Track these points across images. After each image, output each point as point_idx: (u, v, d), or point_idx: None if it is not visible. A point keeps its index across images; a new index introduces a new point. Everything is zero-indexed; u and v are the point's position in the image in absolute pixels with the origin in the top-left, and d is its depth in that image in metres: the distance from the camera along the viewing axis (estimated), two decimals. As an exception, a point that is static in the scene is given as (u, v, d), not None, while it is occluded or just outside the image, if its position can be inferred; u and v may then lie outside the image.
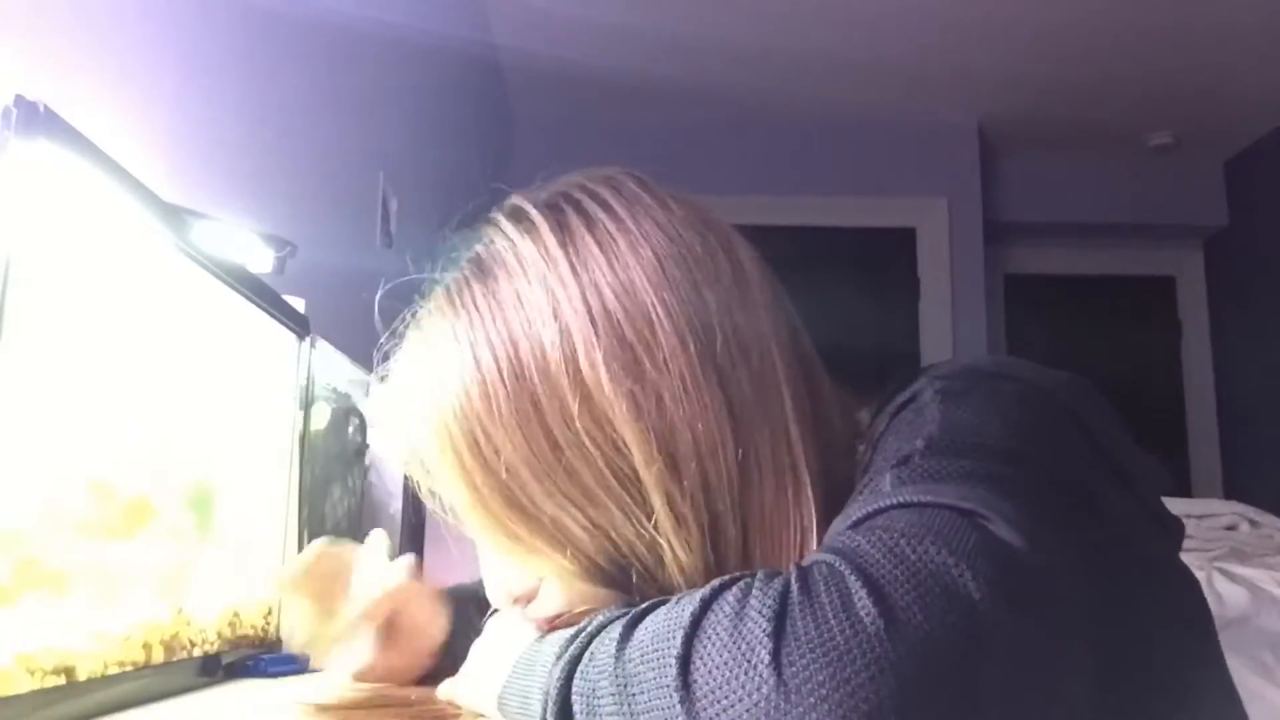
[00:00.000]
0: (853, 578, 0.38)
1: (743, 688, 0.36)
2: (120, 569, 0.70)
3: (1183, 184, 3.92)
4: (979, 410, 0.49)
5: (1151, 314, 4.13)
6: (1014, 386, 0.52)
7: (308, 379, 1.06)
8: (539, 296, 0.52)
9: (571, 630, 0.49)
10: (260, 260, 1.05)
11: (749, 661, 0.37)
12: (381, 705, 0.70)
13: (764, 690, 0.36)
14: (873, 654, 0.35)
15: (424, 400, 0.54)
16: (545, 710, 0.46)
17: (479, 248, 0.57)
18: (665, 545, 0.51)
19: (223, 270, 0.87)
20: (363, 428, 1.27)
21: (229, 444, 0.89)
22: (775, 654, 0.36)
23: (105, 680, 0.66)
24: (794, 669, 0.36)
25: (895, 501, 0.43)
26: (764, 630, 0.37)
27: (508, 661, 0.55)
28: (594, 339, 0.50)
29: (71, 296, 0.66)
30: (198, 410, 0.83)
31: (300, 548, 1.02)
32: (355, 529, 1.23)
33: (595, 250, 0.53)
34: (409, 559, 0.78)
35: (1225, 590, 1.81)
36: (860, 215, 3.67)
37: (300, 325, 1.05)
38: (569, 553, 0.52)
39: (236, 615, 0.88)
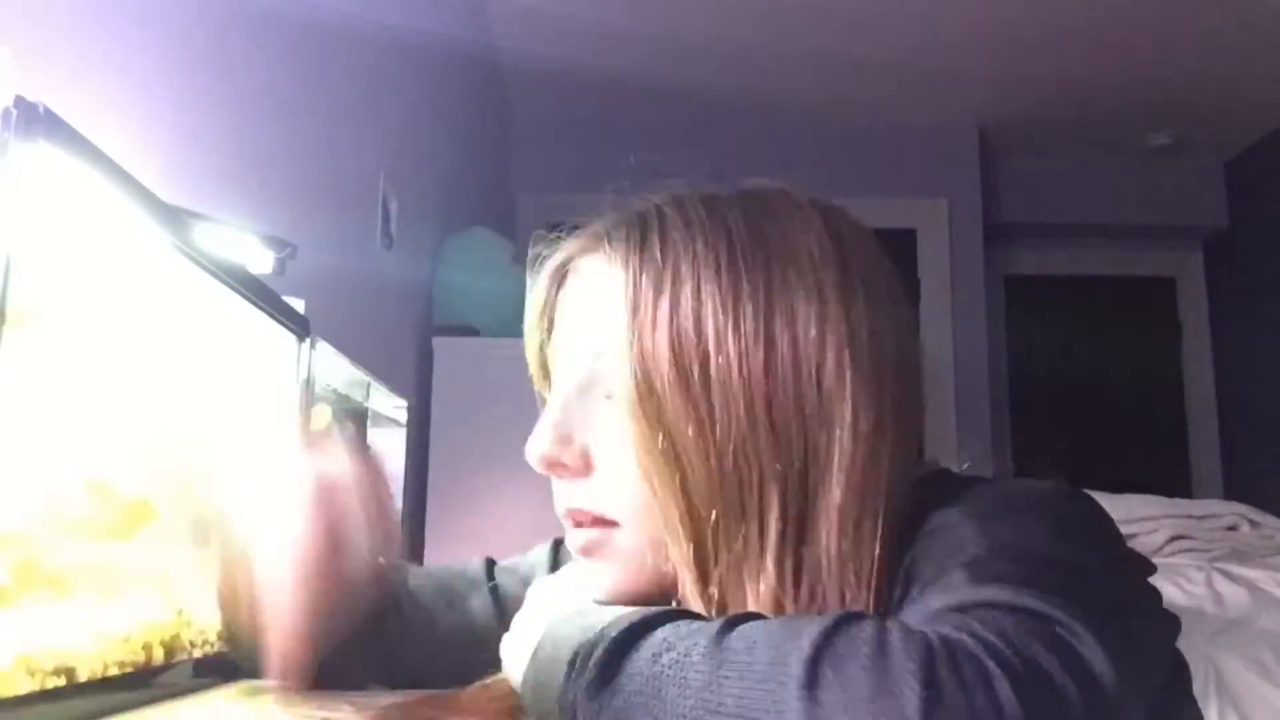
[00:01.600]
0: (990, 663, 0.40)
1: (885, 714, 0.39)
2: (120, 570, 0.70)
3: (1183, 185, 3.92)
4: (1016, 524, 0.51)
5: (1152, 315, 4.12)
6: (1033, 501, 0.54)
7: (308, 380, 1.06)
8: (811, 287, 0.57)
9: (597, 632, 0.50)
10: (260, 261, 1.05)
11: (895, 696, 0.39)
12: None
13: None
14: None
15: (692, 279, 0.56)
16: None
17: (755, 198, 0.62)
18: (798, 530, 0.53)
19: (223, 271, 0.87)
20: (363, 428, 1.27)
21: (230, 444, 0.89)
22: (925, 705, 0.38)
23: (105, 681, 0.66)
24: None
25: (985, 599, 0.44)
26: (914, 675, 0.39)
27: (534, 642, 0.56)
28: (847, 358, 0.55)
29: (72, 298, 0.66)
30: (198, 411, 0.83)
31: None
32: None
33: (857, 275, 0.60)
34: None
35: (1226, 591, 1.81)
36: (860, 216, 3.64)
37: (300, 326, 1.05)
38: (684, 501, 0.54)
39: (237, 616, 0.88)
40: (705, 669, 0.44)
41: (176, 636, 0.76)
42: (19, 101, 0.60)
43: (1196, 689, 1.71)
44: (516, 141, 3.62)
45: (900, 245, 3.69)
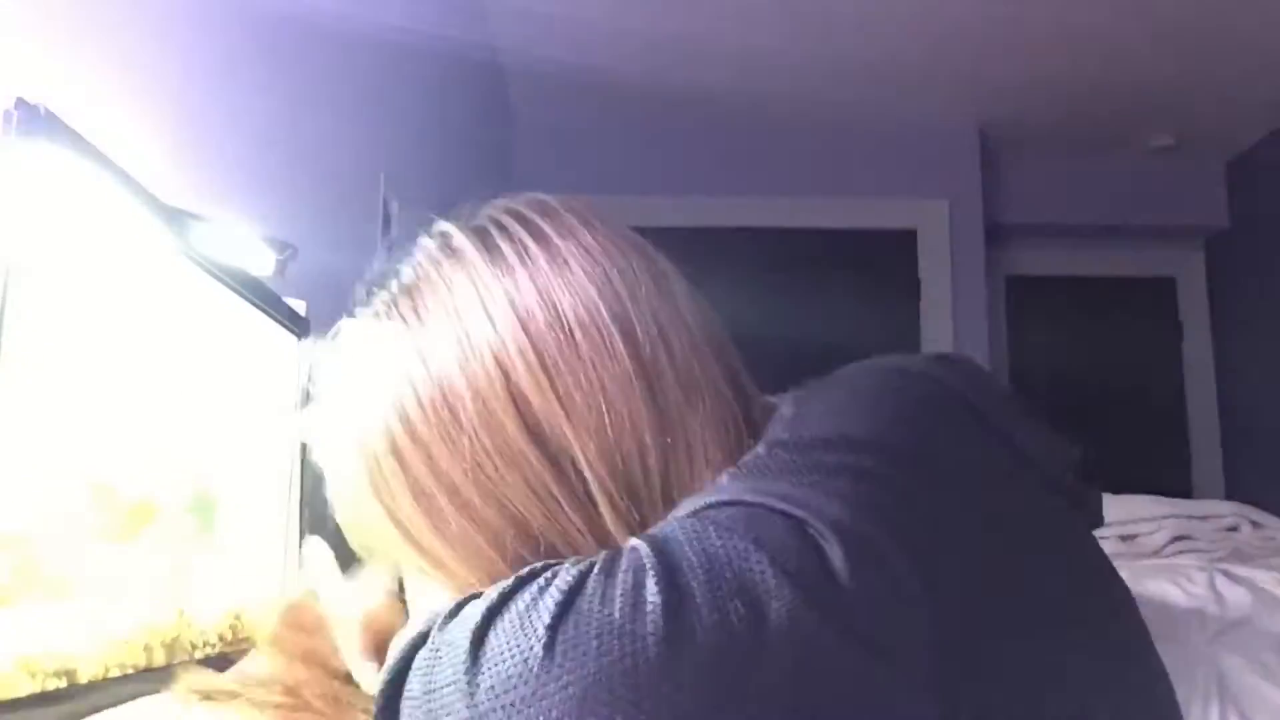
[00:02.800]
0: (651, 562, 0.38)
1: (517, 649, 0.37)
2: (121, 571, 0.70)
3: (1184, 185, 3.92)
4: (833, 402, 0.49)
5: (1152, 315, 4.12)
6: (877, 378, 0.51)
7: (309, 381, 1.06)
8: (469, 309, 0.53)
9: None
10: (261, 262, 1.05)
11: (531, 628, 0.37)
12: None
13: (533, 654, 0.37)
14: (643, 632, 0.36)
15: (350, 418, 0.55)
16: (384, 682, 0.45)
17: (403, 267, 0.58)
18: (588, 544, 0.50)
19: (223, 273, 0.87)
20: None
21: (230, 447, 0.89)
22: (554, 624, 0.37)
23: (106, 682, 0.66)
24: (565, 638, 0.36)
25: (722, 499, 0.42)
26: (555, 601, 0.38)
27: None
28: (526, 347, 0.51)
29: (73, 299, 0.66)
30: (199, 413, 0.83)
31: (301, 549, 1.02)
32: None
33: (519, 266, 0.53)
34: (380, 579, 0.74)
35: (1227, 591, 1.81)
36: (861, 217, 3.67)
37: (301, 327, 1.05)
38: (488, 572, 0.51)
39: (238, 618, 0.88)
40: (420, 671, 0.42)
41: (178, 638, 0.76)
42: (19, 102, 0.60)
43: (1198, 689, 1.71)
44: (517, 142, 3.62)
45: (901, 246, 3.69)
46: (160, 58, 1.06)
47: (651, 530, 0.42)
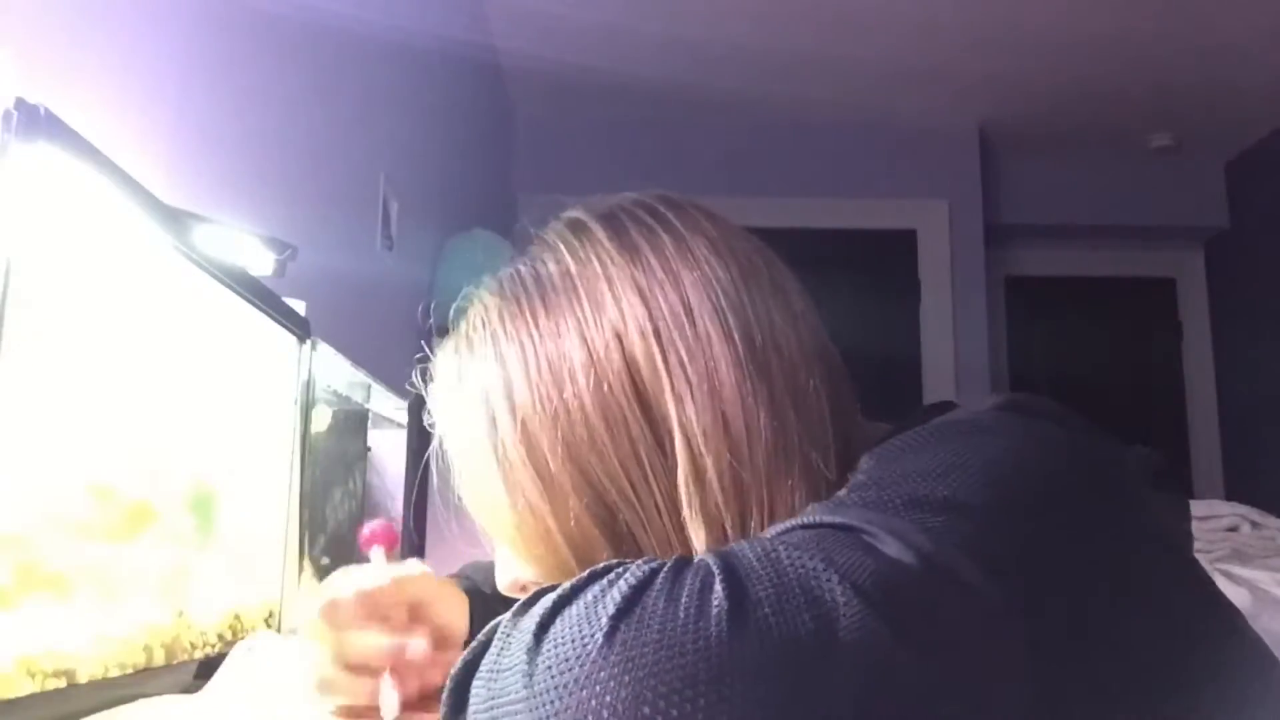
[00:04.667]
0: (719, 571, 0.39)
1: (578, 636, 0.38)
2: (121, 572, 0.70)
3: (1183, 186, 3.92)
4: (934, 457, 0.47)
5: (1152, 316, 4.12)
6: (957, 421, 0.51)
7: (309, 381, 1.06)
8: (595, 288, 0.55)
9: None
10: (261, 263, 1.05)
11: (596, 617, 0.38)
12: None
13: (593, 640, 0.37)
14: (706, 632, 0.36)
15: (480, 392, 0.56)
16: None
17: (538, 250, 0.60)
18: (684, 543, 0.52)
19: (223, 273, 0.87)
20: (364, 430, 1.27)
21: (230, 447, 0.89)
22: (617, 615, 0.38)
23: (106, 683, 0.66)
24: (627, 629, 0.37)
25: (797, 523, 0.43)
26: (621, 594, 0.39)
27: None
28: (646, 323, 0.53)
29: (73, 300, 0.66)
30: (199, 413, 0.83)
31: (301, 550, 1.02)
32: (356, 531, 1.23)
33: (651, 257, 0.56)
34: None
35: (1227, 592, 1.80)
36: (861, 217, 3.67)
37: (301, 328, 1.05)
38: (579, 554, 0.54)
39: (237, 618, 0.88)
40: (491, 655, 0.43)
41: (177, 639, 0.76)
42: (20, 103, 0.60)
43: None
44: (517, 142, 3.62)
45: (901, 246, 3.69)
46: (160, 58, 1.06)
47: (726, 547, 0.42)
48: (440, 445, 0.60)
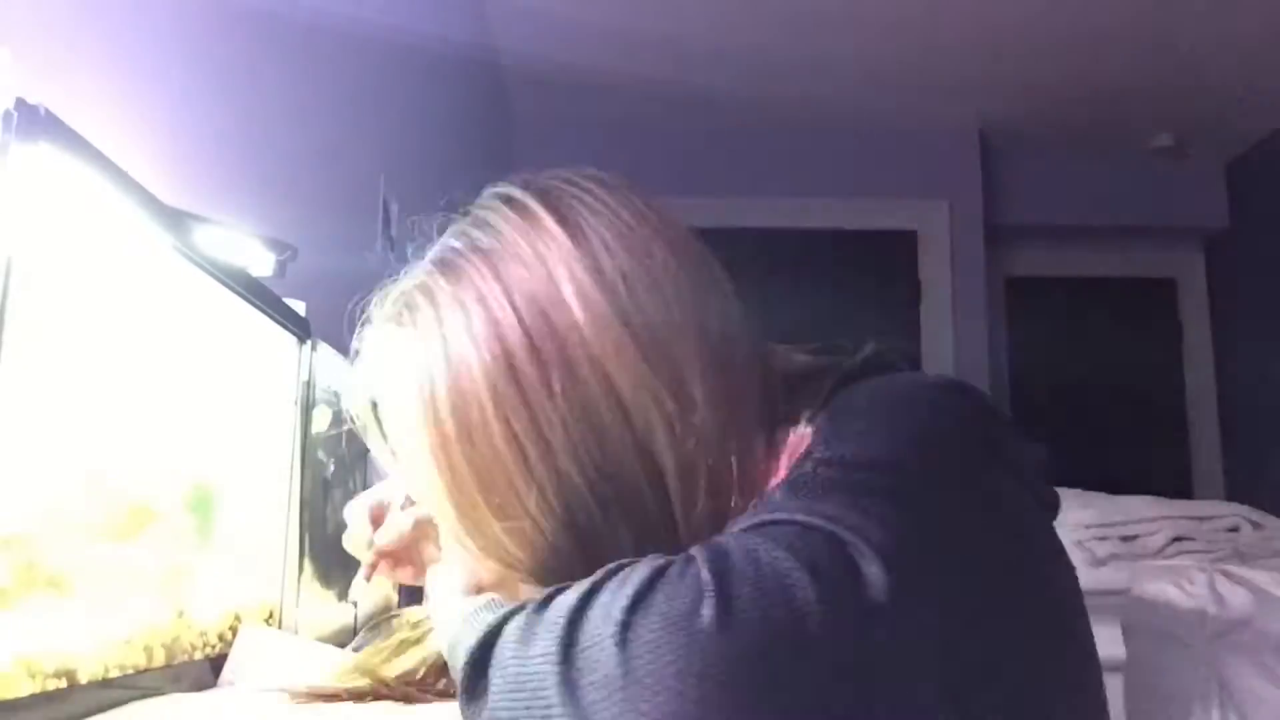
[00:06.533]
0: (710, 569, 0.43)
1: (599, 632, 0.43)
2: (121, 572, 0.70)
3: (1184, 186, 3.92)
4: (873, 422, 0.52)
5: (1153, 316, 4.12)
6: (916, 403, 0.54)
7: (308, 382, 1.06)
8: (534, 267, 0.55)
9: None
10: (261, 263, 1.05)
11: (610, 617, 0.43)
12: (363, 693, 0.70)
13: (613, 639, 0.43)
14: (701, 630, 0.41)
15: (410, 375, 0.56)
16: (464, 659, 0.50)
17: (467, 225, 0.60)
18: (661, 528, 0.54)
19: (223, 273, 0.87)
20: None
21: (230, 447, 0.89)
22: (630, 609, 0.43)
23: (106, 683, 0.66)
24: (638, 628, 0.42)
25: (778, 516, 0.46)
26: (636, 588, 0.44)
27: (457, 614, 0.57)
28: (587, 293, 0.54)
29: (73, 300, 0.66)
30: (199, 413, 0.83)
31: (301, 550, 1.02)
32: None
33: (590, 233, 0.56)
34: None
35: (1227, 592, 1.81)
36: (861, 218, 3.67)
37: (301, 328, 1.05)
38: (531, 545, 0.55)
39: (238, 618, 0.88)
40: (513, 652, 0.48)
41: (177, 639, 0.76)
42: (19, 104, 0.60)
43: (1198, 689, 1.70)
44: (517, 143, 3.62)
45: (901, 246, 3.69)
46: (160, 58, 1.06)
47: (712, 541, 0.46)
48: (378, 447, 0.61)
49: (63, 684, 0.61)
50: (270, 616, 0.95)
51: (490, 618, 0.50)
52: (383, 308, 0.61)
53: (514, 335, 0.53)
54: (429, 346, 0.56)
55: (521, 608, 0.49)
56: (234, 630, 0.86)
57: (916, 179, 3.69)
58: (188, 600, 0.78)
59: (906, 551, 0.44)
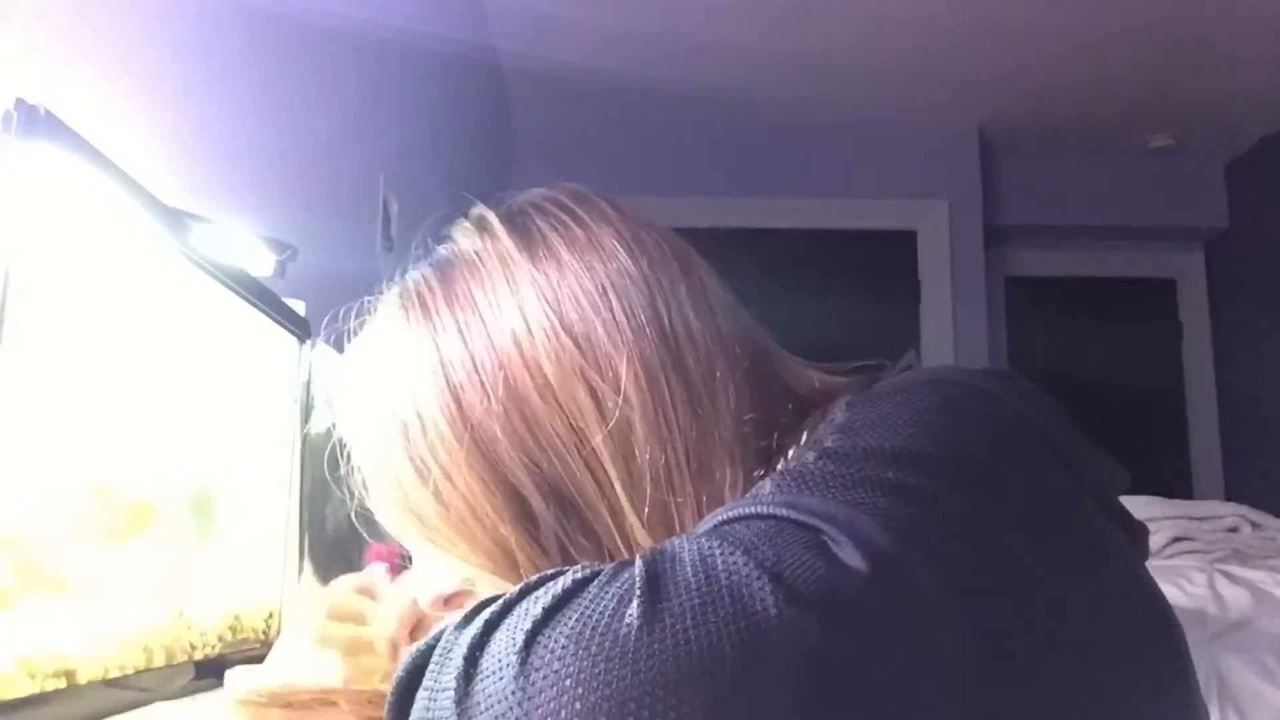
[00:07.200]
0: (641, 582, 0.37)
1: (499, 659, 0.36)
2: (121, 572, 0.70)
3: (1183, 186, 3.92)
4: (888, 413, 0.47)
5: (1152, 316, 4.12)
6: (936, 392, 0.49)
7: (308, 382, 1.06)
8: (502, 296, 0.55)
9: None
10: (261, 263, 1.05)
11: (514, 640, 0.36)
12: (323, 700, 0.70)
13: (512, 664, 0.36)
14: (616, 647, 0.34)
15: (378, 395, 0.56)
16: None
17: (441, 250, 0.60)
18: (615, 534, 0.52)
19: (223, 273, 0.87)
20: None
21: (230, 447, 0.89)
22: (542, 620, 0.36)
23: (106, 683, 0.66)
24: (540, 648, 0.35)
25: (749, 511, 0.41)
26: (554, 597, 0.37)
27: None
28: (555, 334, 0.53)
29: (73, 300, 0.66)
30: (199, 414, 0.83)
31: (301, 550, 1.02)
32: (356, 533, 1.23)
33: (562, 251, 0.56)
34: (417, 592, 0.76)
35: (1227, 593, 1.81)
36: (861, 218, 3.67)
37: (301, 328, 1.05)
38: (500, 551, 0.53)
39: (237, 618, 0.88)
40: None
41: (177, 639, 0.76)
42: (20, 103, 0.60)
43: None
44: (517, 142, 3.62)
45: (901, 247, 3.69)
46: (160, 58, 1.06)
47: (663, 544, 0.40)
48: (348, 459, 0.60)
49: (62, 684, 0.61)
50: (270, 616, 0.95)
51: (423, 644, 0.43)
52: (350, 325, 0.61)
53: (457, 360, 0.54)
54: (389, 371, 0.56)
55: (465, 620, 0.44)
56: (234, 630, 0.86)
57: (916, 179, 3.69)
58: (187, 600, 0.78)
59: (901, 548, 0.38)
